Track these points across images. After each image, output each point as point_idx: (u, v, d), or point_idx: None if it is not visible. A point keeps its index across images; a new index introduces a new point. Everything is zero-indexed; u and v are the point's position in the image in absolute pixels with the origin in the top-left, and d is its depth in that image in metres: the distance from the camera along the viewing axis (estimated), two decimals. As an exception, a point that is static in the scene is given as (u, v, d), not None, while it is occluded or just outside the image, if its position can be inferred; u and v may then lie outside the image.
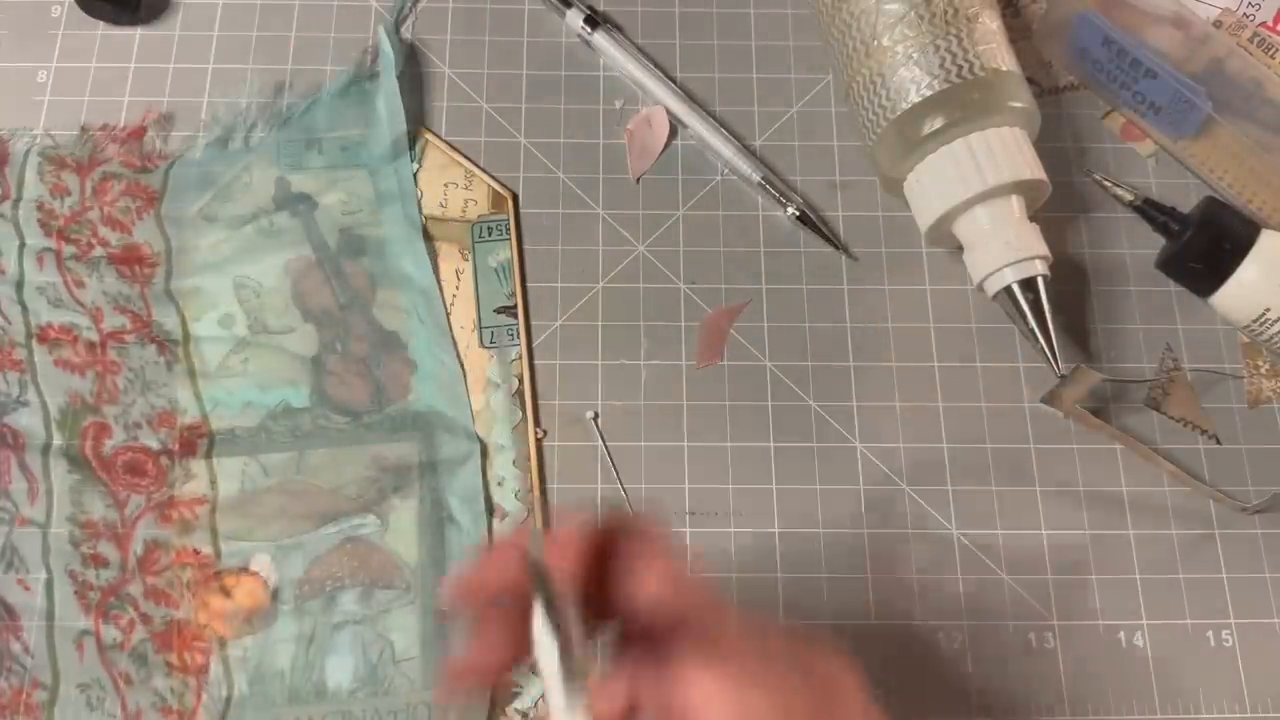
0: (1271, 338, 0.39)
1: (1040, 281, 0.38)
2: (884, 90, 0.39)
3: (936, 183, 0.38)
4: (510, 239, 0.42)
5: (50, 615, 0.37)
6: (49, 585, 0.37)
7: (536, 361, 0.40)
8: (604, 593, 0.24)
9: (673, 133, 0.43)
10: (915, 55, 0.38)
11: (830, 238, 0.42)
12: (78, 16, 0.45)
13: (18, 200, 0.41)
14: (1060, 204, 0.41)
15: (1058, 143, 0.43)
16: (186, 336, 0.40)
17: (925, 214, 0.39)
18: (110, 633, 0.36)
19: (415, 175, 0.42)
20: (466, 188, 0.42)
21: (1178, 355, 0.40)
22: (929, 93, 0.38)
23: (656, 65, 0.44)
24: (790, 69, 0.45)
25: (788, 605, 0.37)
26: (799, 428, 0.39)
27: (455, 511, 0.38)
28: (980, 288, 0.39)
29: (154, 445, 0.39)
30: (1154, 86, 0.41)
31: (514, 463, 0.39)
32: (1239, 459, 0.39)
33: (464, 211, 0.42)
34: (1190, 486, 0.39)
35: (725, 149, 0.42)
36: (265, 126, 0.43)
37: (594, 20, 0.44)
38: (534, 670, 0.34)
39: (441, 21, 0.45)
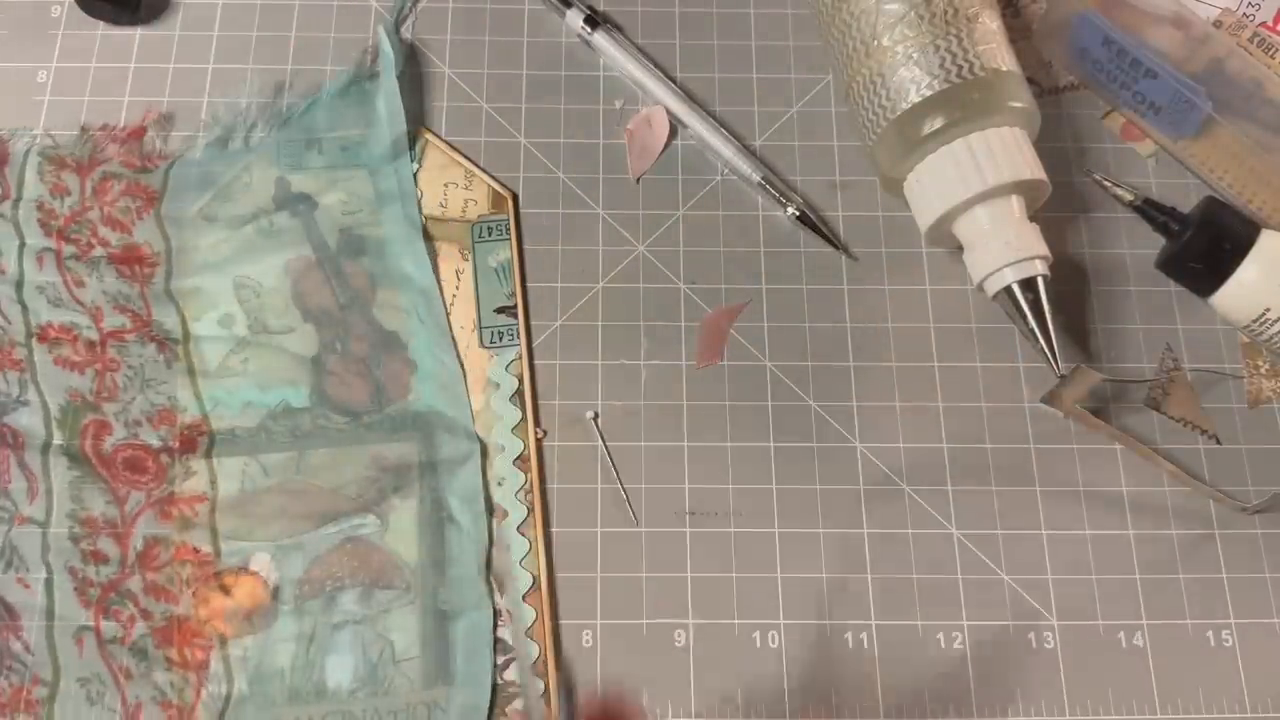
0: (1271, 338, 0.39)
1: (1040, 281, 0.38)
2: (884, 90, 0.39)
3: (936, 183, 0.38)
4: (510, 239, 0.42)
5: (50, 612, 0.37)
6: (49, 583, 0.37)
7: (536, 361, 0.40)
8: None
9: (673, 133, 0.43)
10: (915, 55, 0.38)
11: (830, 238, 0.42)
12: (78, 16, 0.45)
13: (18, 200, 0.41)
14: (1060, 204, 0.41)
15: (1058, 143, 0.43)
16: (186, 336, 0.40)
17: (925, 214, 0.39)
18: (110, 628, 0.36)
19: (415, 175, 0.42)
20: (466, 188, 0.42)
21: (1178, 355, 0.40)
22: (929, 93, 0.38)
23: (656, 65, 0.44)
24: (790, 69, 0.45)
25: (788, 605, 0.37)
26: (799, 428, 0.39)
27: (455, 511, 0.38)
28: (980, 288, 0.39)
29: (154, 443, 0.39)
30: (1154, 86, 0.41)
31: (514, 463, 0.39)
32: (1239, 459, 0.39)
33: (464, 211, 0.42)
34: (1190, 486, 0.39)
35: (725, 149, 0.42)
36: (265, 126, 0.43)
37: (594, 20, 0.44)
38: None
39: (441, 21, 0.45)
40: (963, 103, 0.38)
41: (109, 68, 0.44)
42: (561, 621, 0.37)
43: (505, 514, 0.38)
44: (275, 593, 0.37)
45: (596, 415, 0.39)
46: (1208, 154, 0.42)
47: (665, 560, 0.38)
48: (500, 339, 0.40)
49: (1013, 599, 0.38)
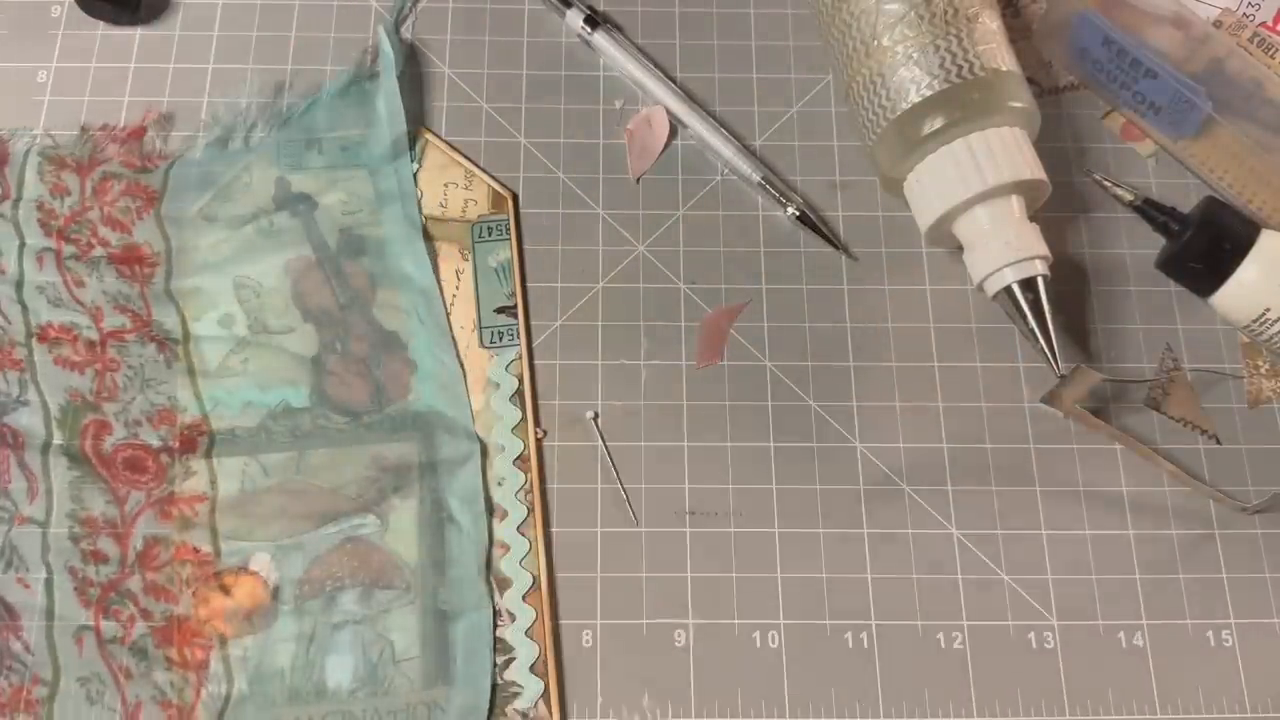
0: (1271, 338, 0.39)
1: (1040, 281, 0.38)
2: (884, 90, 0.39)
3: (936, 183, 0.38)
4: (510, 239, 0.42)
5: (50, 612, 0.37)
6: (49, 583, 0.37)
7: (536, 361, 0.40)
8: None
9: (673, 133, 0.43)
10: (915, 55, 0.38)
11: (830, 238, 0.42)
12: (78, 16, 0.45)
13: (18, 200, 0.41)
14: (1060, 204, 0.41)
15: (1058, 143, 0.43)
16: (186, 336, 0.40)
17: (925, 214, 0.39)
18: (110, 627, 0.36)
19: (415, 175, 0.42)
20: (466, 188, 0.42)
21: (1178, 355, 0.40)
22: (929, 93, 0.38)
23: (656, 65, 0.44)
24: (790, 69, 0.45)
25: (788, 605, 0.37)
26: (799, 428, 0.39)
27: (455, 512, 0.38)
28: (980, 288, 0.39)
29: (154, 442, 0.39)
30: (1154, 86, 0.41)
31: (514, 463, 0.39)
32: (1239, 459, 0.39)
33: (464, 211, 0.42)
34: (1190, 486, 0.39)
35: (725, 149, 0.42)
36: (265, 126, 0.43)
37: (594, 20, 0.44)
38: None
39: (441, 21, 0.45)
40: (963, 103, 0.38)
41: (109, 68, 0.44)
42: (561, 621, 0.37)
43: (505, 514, 0.38)
44: (275, 593, 0.37)
45: (596, 415, 0.39)
46: (1208, 154, 0.42)
47: (665, 560, 0.38)
48: (500, 339, 0.40)
49: (1013, 599, 0.38)
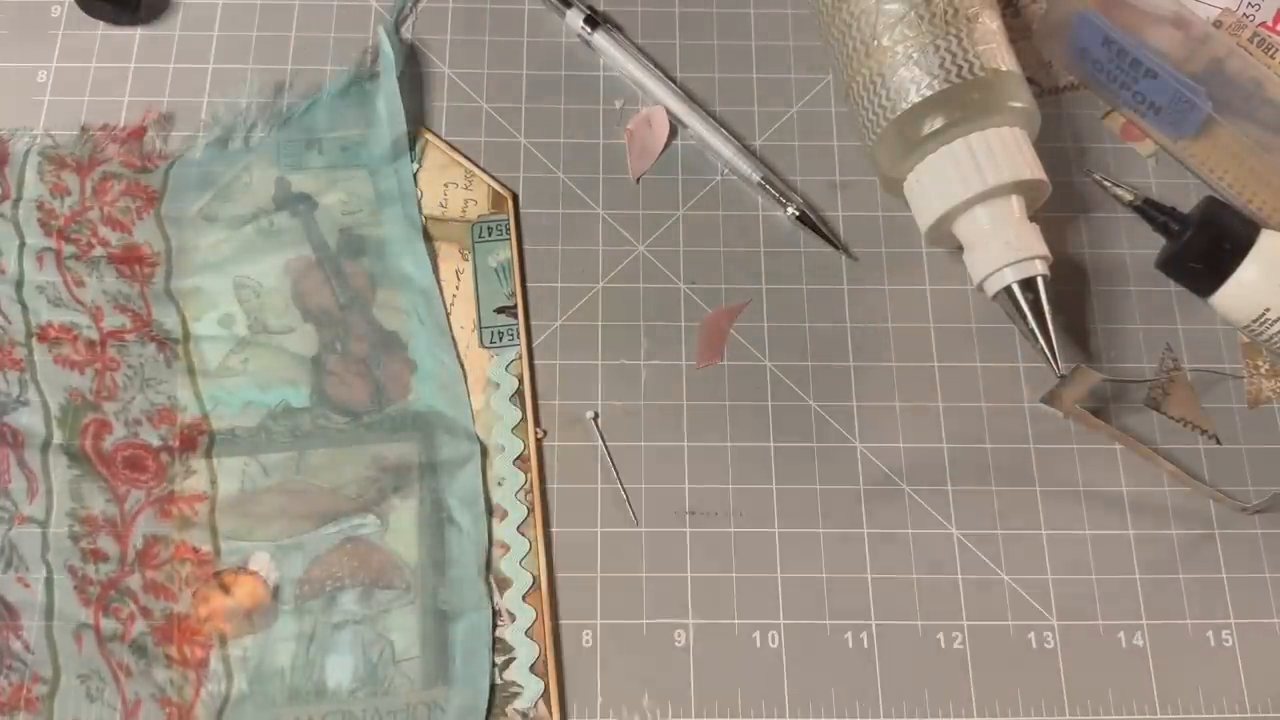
0: (1271, 338, 0.39)
1: (1040, 281, 0.38)
2: (884, 90, 0.39)
3: (936, 183, 0.38)
4: (510, 239, 0.42)
5: (50, 610, 0.37)
6: (49, 581, 0.37)
7: (536, 361, 0.40)
8: None
9: (673, 133, 0.43)
10: (915, 55, 0.38)
11: (830, 238, 0.42)
12: (78, 16, 0.45)
13: (18, 200, 0.41)
14: (1060, 204, 0.41)
15: (1058, 143, 0.43)
16: (186, 336, 0.40)
17: (925, 214, 0.39)
18: (110, 625, 0.36)
19: (415, 175, 0.42)
20: (466, 188, 0.42)
21: (1178, 355, 0.40)
22: (929, 93, 0.38)
23: (656, 65, 0.44)
24: (790, 69, 0.45)
25: (788, 605, 0.37)
26: (799, 428, 0.39)
27: (455, 512, 0.38)
28: (980, 288, 0.39)
29: (154, 442, 0.39)
30: (1154, 86, 0.41)
31: (514, 463, 0.39)
32: (1239, 459, 0.39)
33: (464, 211, 0.42)
34: (1190, 486, 0.39)
35: (725, 149, 0.42)
36: (265, 126, 0.43)
37: (594, 20, 0.44)
38: None
39: (441, 21, 0.45)
40: (963, 103, 0.38)
41: (109, 68, 0.44)
42: (561, 621, 0.37)
43: (505, 514, 0.38)
44: (275, 592, 0.37)
45: (596, 415, 0.39)
46: (1208, 154, 0.42)
47: (665, 560, 0.38)
48: (500, 339, 0.40)
49: (1013, 599, 0.38)
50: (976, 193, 0.37)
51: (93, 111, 0.43)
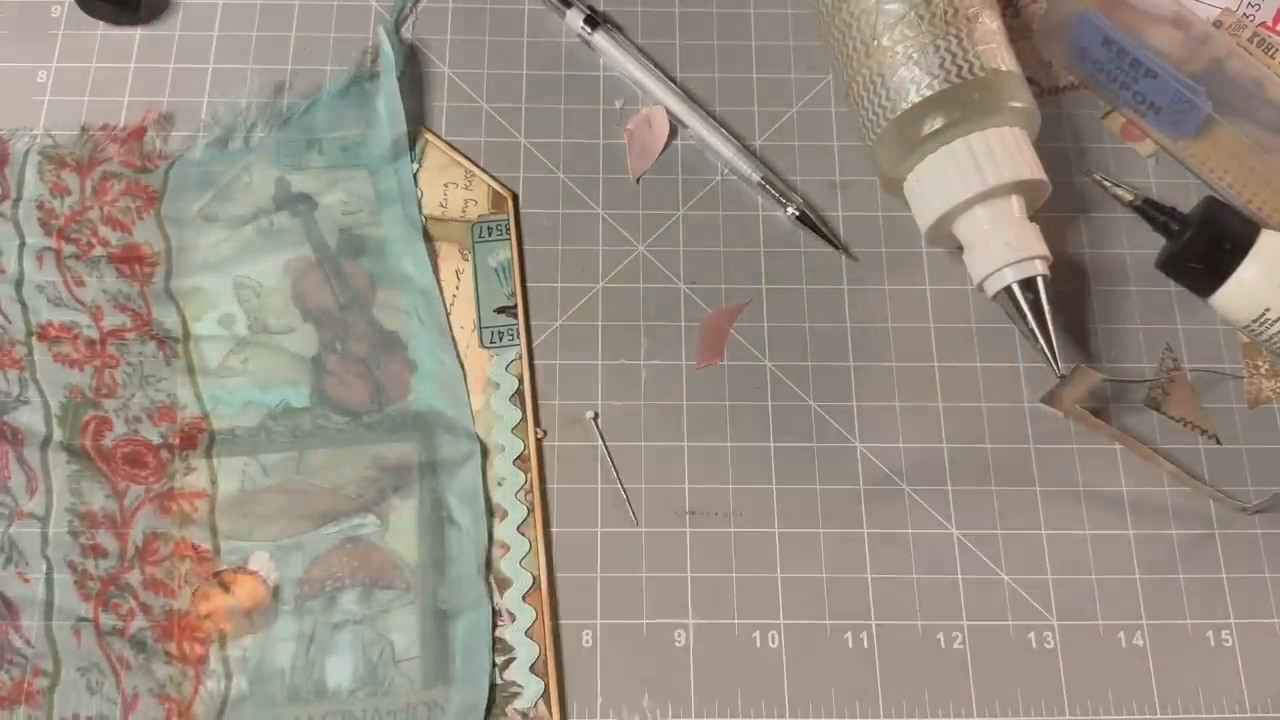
0: (1271, 338, 0.39)
1: (1040, 281, 0.38)
2: (884, 90, 0.39)
3: (936, 183, 0.38)
4: (510, 239, 0.42)
5: (50, 605, 0.37)
6: (48, 577, 0.37)
7: (536, 361, 0.40)
8: None
9: (673, 133, 0.43)
10: (915, 55, 0.38)
11: (830, 238, 0.42)
12: (78, 16, 0.45)
13: (18, 199, 0.41)
14: (1060, 204, 0.41)
15: (1058, 143, 0.43)
16: (187, 335, 0.40)
17: (925, 214, 0.39)
18: (109, 620, 0.36)
19: (415, 175, 0.42)
20: (466, 188, 0.42)
21: (1178, 355, 0.40)
22: (929, 93, 0.38)
23: (656, 65, 0.44)
24: (790, 69, 0.45)
25: (788, 605, 0.37)
26: (799, 428, 0.39)
27: (455, 512, 0.38)
28: (980, 288, 0.39)
29: (154, 439, 0.39)
30: (1154, 86, 0.41)
31: (514, 463, 0.39)
32: (1239, 459, 0.39)
33: (464, 211, 0.42)
34: (1190, 486, 0.39)
35: (725, 149, 0.42)
36: (265, 126, 0.43)
37: (594, 20, 0.44)
38: None
39: (441, 21, 0.45)
40: (963, 103, 0.38)
41: (109, 68, 0.44)
42: (561, 621, 0.37)
43: (505, 514, 0.38)
44: (275, 592, 0.37)
45: (596, 415, 0.39)
46: (1208, 154, 0.42)
47: (665, 560, 0.38)
48: (500, 339, 0.40)
49: (1013, 599, 0.38)
50: (976, 193, 0.37)
51: (93, 111, 0.43)
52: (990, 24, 0.39)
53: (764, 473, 0.39)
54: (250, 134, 0.43)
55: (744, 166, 0.42)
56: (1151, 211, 0.40)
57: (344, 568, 0.37)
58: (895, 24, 0.39)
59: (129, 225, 0.41)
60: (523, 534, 0.38)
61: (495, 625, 0.37)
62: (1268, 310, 0.38)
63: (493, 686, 0.36)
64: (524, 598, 0.37)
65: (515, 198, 0.42)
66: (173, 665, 0.36)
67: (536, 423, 0.39)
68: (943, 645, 0.37)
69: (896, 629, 0.37)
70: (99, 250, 0.41)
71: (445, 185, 0.42)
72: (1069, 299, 0.41)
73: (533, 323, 0.41)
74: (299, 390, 0.39)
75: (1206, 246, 0.39)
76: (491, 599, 0.37)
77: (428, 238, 0.41)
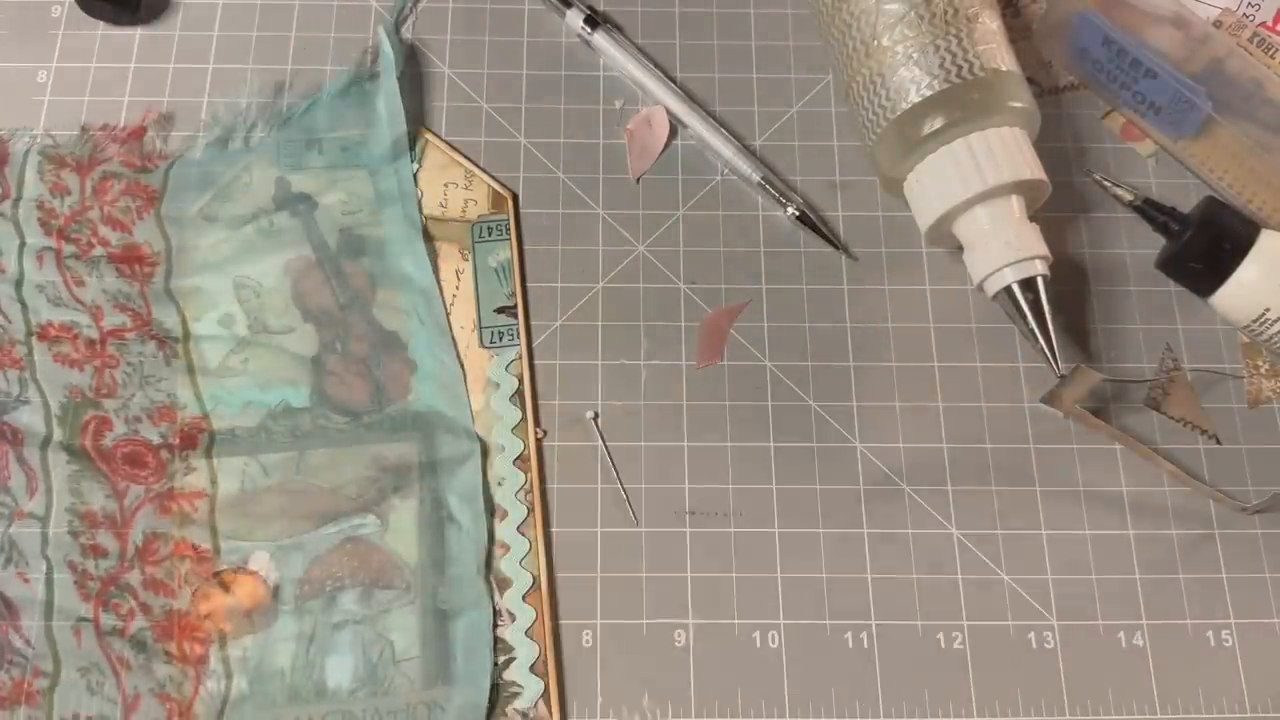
0: (1271, 338, 0.39)
1: (1040, 281, 0.38)
2: (884, 90, 0.39)
3: (936, 183, 0.38)
4: (510, 239, 0.42)
5: (50, 605, 0.37)
6: (48, 577, 0.37)
7: (536, 361, 0.40)
8: None
9: (673, 133, 0.43)
10: (915, 55, 0.38)
11: (830, 238, 0.42)
12: (78, 16, 0.45)
13: (18, 199, 0.41)
14: (1060, 204, 0.41)
15: (1058, 143, 0.43)
16: (187, 335, 0.40)
17: (925, 214, 0.39)
18: (109, 620, 0.36)
19: (415, 175, 0.42)
20: (466, 188, 0.42)
21: (1178, 355, 0.40)
22: (929, 93, 0.38)
23: (656, 65, 0.44)
24: (790, 69, 0.45)
25: (788, 605, 0.37)
26: (799, 428, 0.39)
27: (455, 510, 0.38)
28: (980, 288, 0.39)
29: (154, 439, 0.39)
30: (1154, 86, 0.41)
31: (514, 463, 0.39)
32: (1239, 459, 0.39)
33: (464, 211, 0.42)
34: (1190, 486, 0.39)
35: (725, 149, 0.42)
36: (265, 126, 0.43)
37: (594, 20, 0.44)
38: None
39: (441, 21, 0.45)
40: (963, 103, 0.38)
41: (109, 68, 0.44)
42: (561, 621, 0.37)
43: (505, 514, 0.38)
44: (275, 592, 0.37)
45: (596, 415, 0.39)
46: (1208, 154, 0.42)
47: (665, 560, 0.38)
48: (500, 339, 0.40)
49: (1013, 599, 0.38)
50: (976, 193, 0.37)
51: (93, 111, 0.43)
52: (990, 24, 0.39)
53: (764, 473, 0.39)
54: (250, 134, 0.43)
55: (744, 166, 0.42)
56: (1151, 211, 0.40)
57: (344, 568, 0.37)
58: (895, 24, 0.39)
59: (129, 225, 0.41)
60: (523, 534, 0.38)
61: (495, 625, 0.37)
62: (1268, 310, 0.38)
63: (494, 686, 0.36)
64: (524, 598, 0.37)
65: (515, 198, 0.42)
66: (173, 665, 0.36)
67: (536, 423, 0.39)
68: (943, 645, 0.37)
69: (896, 629, 0.37)
70: (99, 250, 0.41)
71: (445, 185, 0.42)
72: (1069, 299, 0.41)
73: (533, 323, 0.41)
74: (299, 390, 0.39)
75: (1206, 246, 0.39)
76: (492, 598, 0.37)
77: (428, 238, 0.41)
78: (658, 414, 0.40)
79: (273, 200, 0.42)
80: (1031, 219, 0.39)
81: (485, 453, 0.39)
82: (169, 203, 0.42)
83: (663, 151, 0.43)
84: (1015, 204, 0.38)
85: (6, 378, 0.39)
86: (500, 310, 0.41)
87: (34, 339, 0.39)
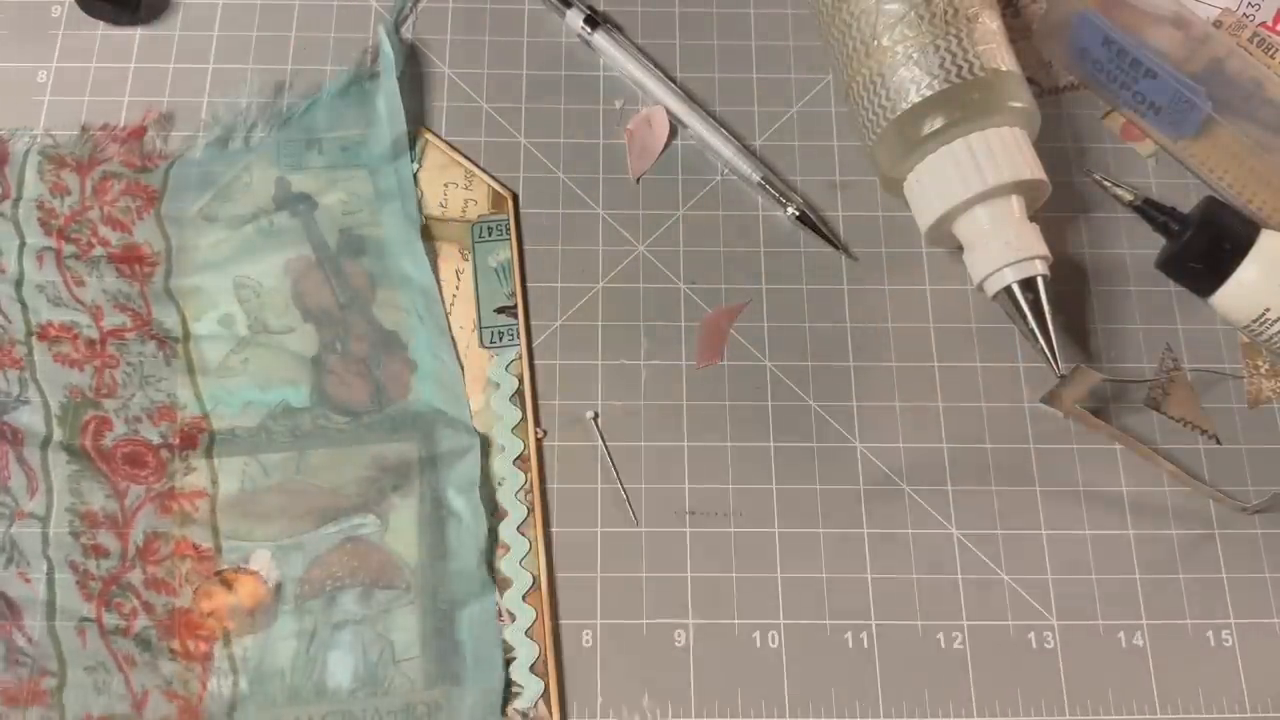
0: (1271, 338, 0.39)
1: (1040, 281, 0.38)
2: (884, 90, 0.39)
3: (936, 183, 0.38)
4: (510, 239, 0.42)
5: (52, 605, 0.37)
6: (50, 577, 0.37)
7: (536, 361, 0.40)
8: None
9: (673, 133, 0.43)
10: (915, 55, 0.38)
11: (830, 238, 0.42)
12: (78, 16, 0.45)
13: (18, 199, 0.41)
14: (1060, 204, 0.41)
15: (1058, 143, 0.43)
16: (186, 335, 0.40)
17: (925, 214, 0.39)
18: (112, 620, 0.36)
19: (415, 175, 0.42)
20: (466, 188, 0.42)
21: (1178, 355, 0.40)
22: (929, 93, 0.38)
23: (656, 65, 0.44)
24: (790, 69, 0.45)
25: (788, 605, 0.37)
26: (799, 428, 0.39)
27: (455, 505, 0.38)
28: (980, 288, 0.39)
29: (154, 438, 0.39)
30: (1154, 86, 0.41)
31: (514, 463, 0.39)
32: (1239, 459, 0.39)
33: (464, 211, 0.42)
34: (1190, 486, 0.39)
35: (725, 149, 0.42)
36: (265, 126, 0.43)
37: (594, 20, 0.44)
38: None
39: (441, 21, 0.45)
40: (963, 103, 0.38)
41: (109, 68, 0.44)
42: (561, 621, 0.37)
43: (505, 514, 0.38)
44: (276, 592, 0.37)
45: (596, 415, 0.39)
46: (1208, 154, 0.42)
47: (665, 560, 0.38)
48: (500, 339, 0.40)
49: (1013, 599, 0.38)
50: (976, 193, 0.37)
51: (93, 111, 0.43)
52: (990, 24, 0.39)
53: (764, 473, 0.39)
54: (250, 134, 0.43)
55: (744, 166, 0.42)
56: (1151, 211, 0.41)
57: (344, 567, 0.37)
58: (895, 24, 0.39)
59: (129, 225, 0.41)
60: (523, 534, 0.38)
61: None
62: (1268, 310, 0.38)
63: (507, 677, 0.36)
64: (524, 598, 0.37)
65: (515, 198, 0.42)
66: (178, 662, 0.36)
67: (536, 423, 0.39)
68: (943, 645, 0.37)
69: (896, 629, 0.37)
70: (99, 250, 0.41)
71: (445, 185, 0.42)
72: (1069, 299, 0.41)
73: (533, 323, 0.41)
74: (299, 390, 0.39)
75: (1206, 246, 0.39)
76: (494, 589, 0.37)
77: (428, 237, 0.41)
78: (658, 414, 0.40)
79: (273, 200, 0.42)
80: (1031, 219, 0.39)
81: (486, 448, 0.39)
82: (169, 203, 0.42)
83: (663, 151, 0.43)
84: (1015, 204, 0.38)
85: (6, 378, 0.39)
86: (500, 310, 0.41)
87: (34, 339, 0.40)
